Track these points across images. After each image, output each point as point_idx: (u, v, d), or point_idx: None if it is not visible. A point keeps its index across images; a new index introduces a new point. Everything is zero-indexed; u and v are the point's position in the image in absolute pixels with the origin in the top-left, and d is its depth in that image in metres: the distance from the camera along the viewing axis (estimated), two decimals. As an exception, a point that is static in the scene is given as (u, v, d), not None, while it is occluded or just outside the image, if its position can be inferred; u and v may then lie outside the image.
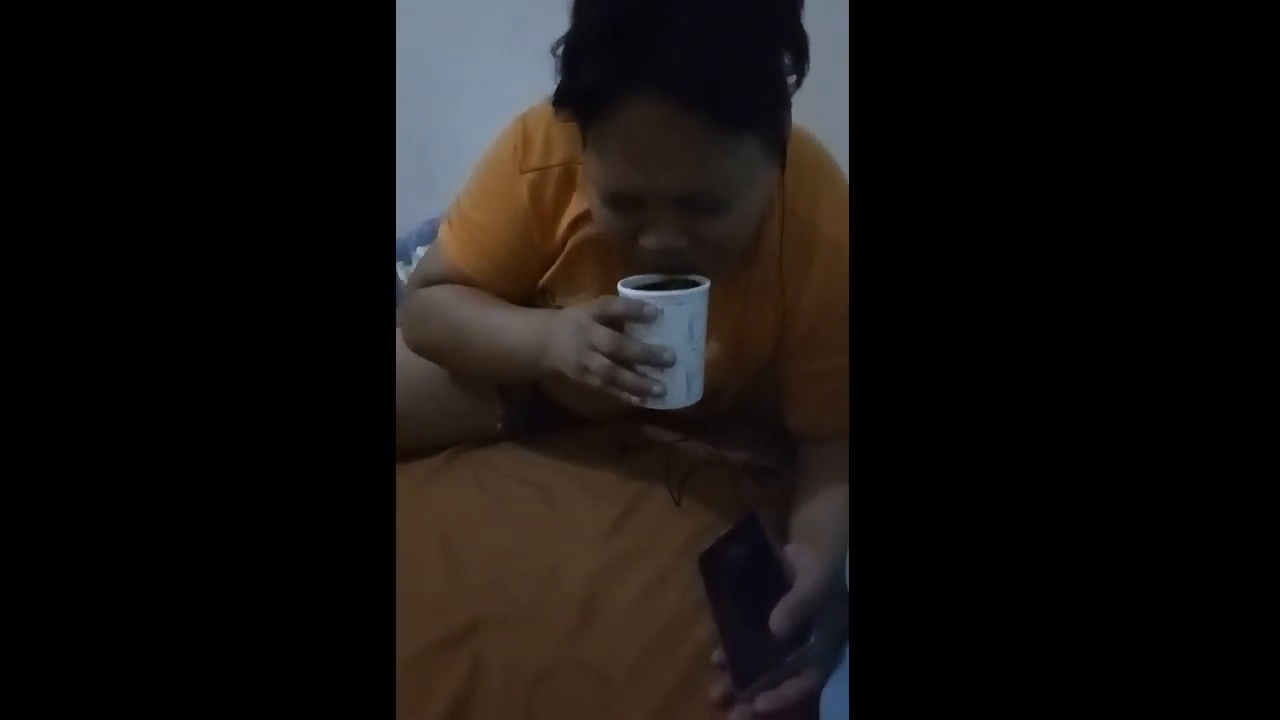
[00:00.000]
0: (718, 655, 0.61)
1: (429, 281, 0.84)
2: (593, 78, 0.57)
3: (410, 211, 1.24)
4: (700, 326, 0.64)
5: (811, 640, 0.55)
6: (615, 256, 0.70)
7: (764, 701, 0.55)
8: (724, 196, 0.62)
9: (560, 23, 0.59)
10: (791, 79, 0.60)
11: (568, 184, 0.74)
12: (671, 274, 0.66)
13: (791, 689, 0.55)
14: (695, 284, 0.64)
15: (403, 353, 0.93)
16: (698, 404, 0.69)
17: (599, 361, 0.64)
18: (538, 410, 0.93)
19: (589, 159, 0.64)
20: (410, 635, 0.65)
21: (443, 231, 0.83)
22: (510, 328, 0.76)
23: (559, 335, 0.69)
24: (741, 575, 0.65)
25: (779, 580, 0.60)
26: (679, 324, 0.63)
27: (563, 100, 0.61)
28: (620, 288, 0.64)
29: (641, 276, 0.66)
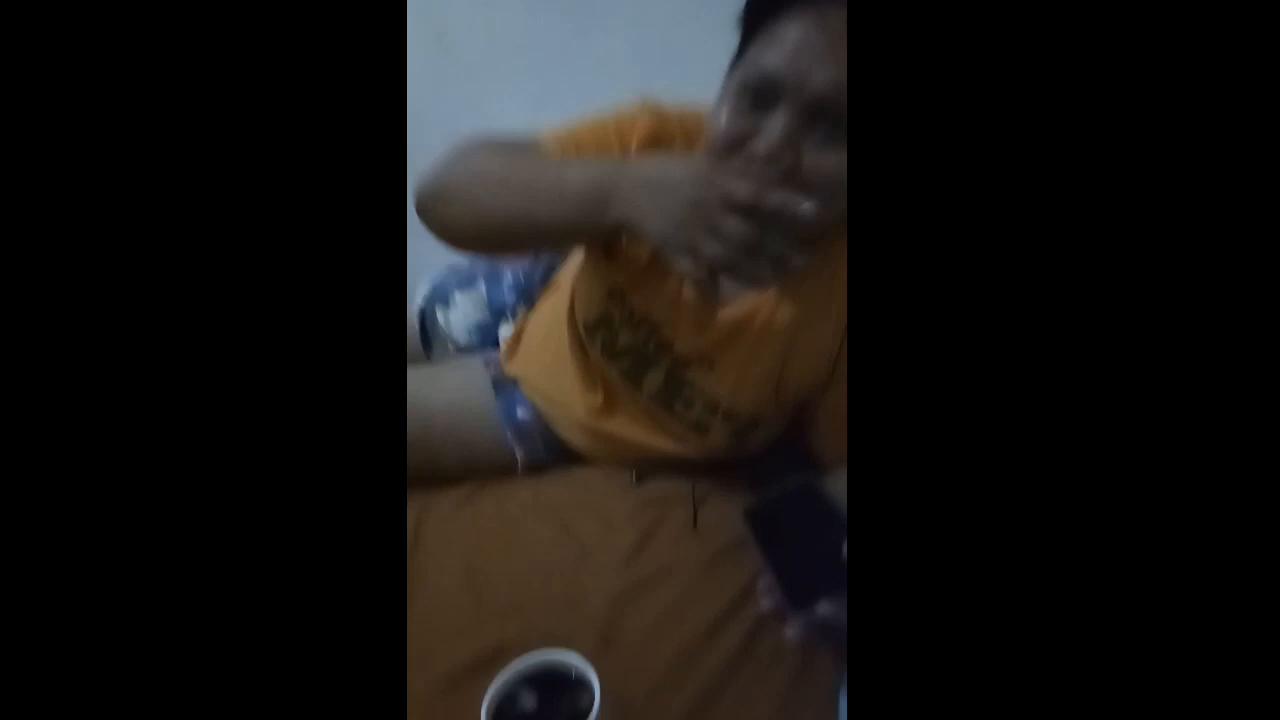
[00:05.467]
0: (765, 582, 0.63)
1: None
2: None
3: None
4: None
5: None
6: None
7: (824, 608, 0.57)
8: None
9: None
10: None
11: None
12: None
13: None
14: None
15: (426, 396, 0.95)
16: (726, 448, 0.68)
17: (715, 248, 0.57)
18: (553, 451, 0.96)
19: (741, 61, 0.66)
20: (439, 659, 0.68)
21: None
22: (569, 168, 0.67)
23: (644, 193, 0.61)
24: (793, 522, 0.65)
25: (839, 524, 0.62)
26: None
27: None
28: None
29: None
